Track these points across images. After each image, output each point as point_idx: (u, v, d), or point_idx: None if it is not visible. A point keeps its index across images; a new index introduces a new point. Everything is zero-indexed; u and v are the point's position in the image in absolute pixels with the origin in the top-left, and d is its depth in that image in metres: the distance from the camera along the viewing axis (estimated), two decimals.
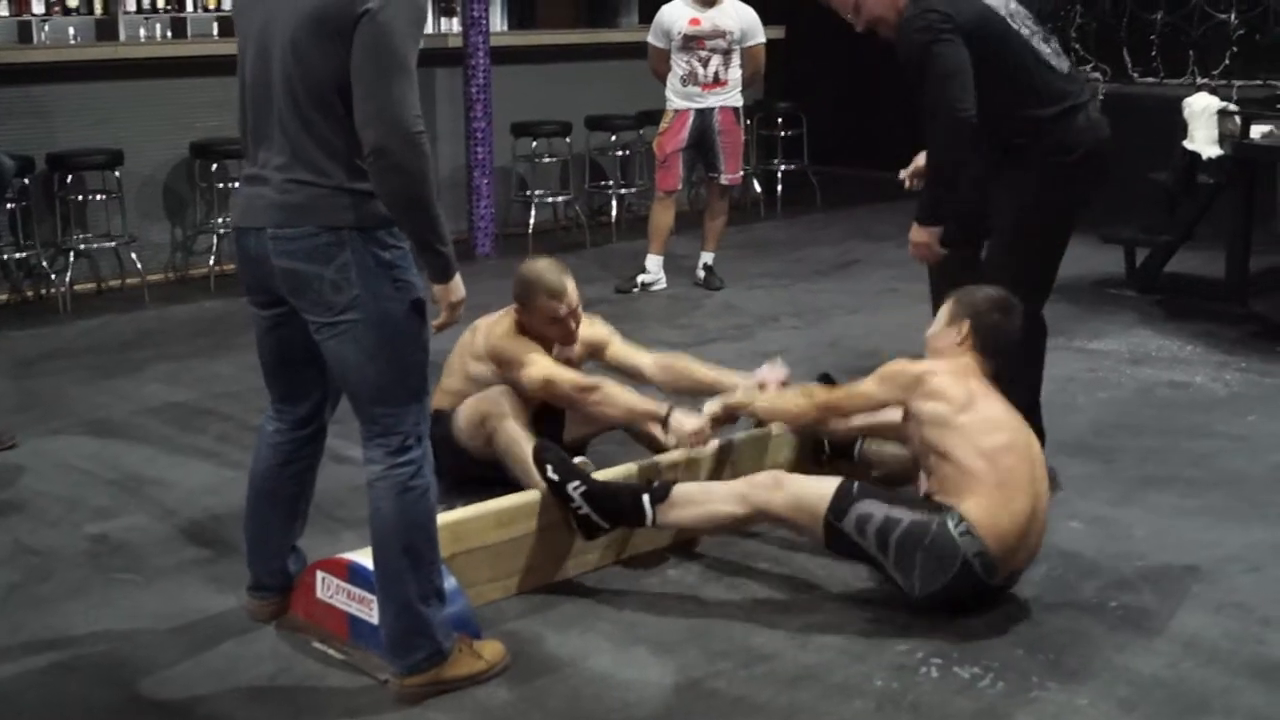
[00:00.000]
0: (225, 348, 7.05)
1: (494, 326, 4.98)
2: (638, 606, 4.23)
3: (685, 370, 5.17)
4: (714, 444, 4.77)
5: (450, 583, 3.75)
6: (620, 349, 5.25)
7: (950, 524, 4.00)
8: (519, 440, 4.74)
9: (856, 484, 4.17)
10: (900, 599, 4.13)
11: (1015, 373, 4.79)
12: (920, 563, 4.02)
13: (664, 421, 4.72)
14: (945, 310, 4.50)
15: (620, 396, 4.82)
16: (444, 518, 4.06)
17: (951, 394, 4.20)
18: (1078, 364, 6.73)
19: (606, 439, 5.27)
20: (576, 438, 5.16)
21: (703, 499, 4.33)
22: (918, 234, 5.18)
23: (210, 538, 4.75)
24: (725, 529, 4.45)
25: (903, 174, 5.69)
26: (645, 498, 4.30)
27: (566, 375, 4.86)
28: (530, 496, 4.36)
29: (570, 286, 4.92)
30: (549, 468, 4.33)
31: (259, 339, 3.79)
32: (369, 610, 3.73)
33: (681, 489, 4.35)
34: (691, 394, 5.16)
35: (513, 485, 4.66)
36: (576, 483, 4.30)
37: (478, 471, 4.93)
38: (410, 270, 3.52)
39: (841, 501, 4.12)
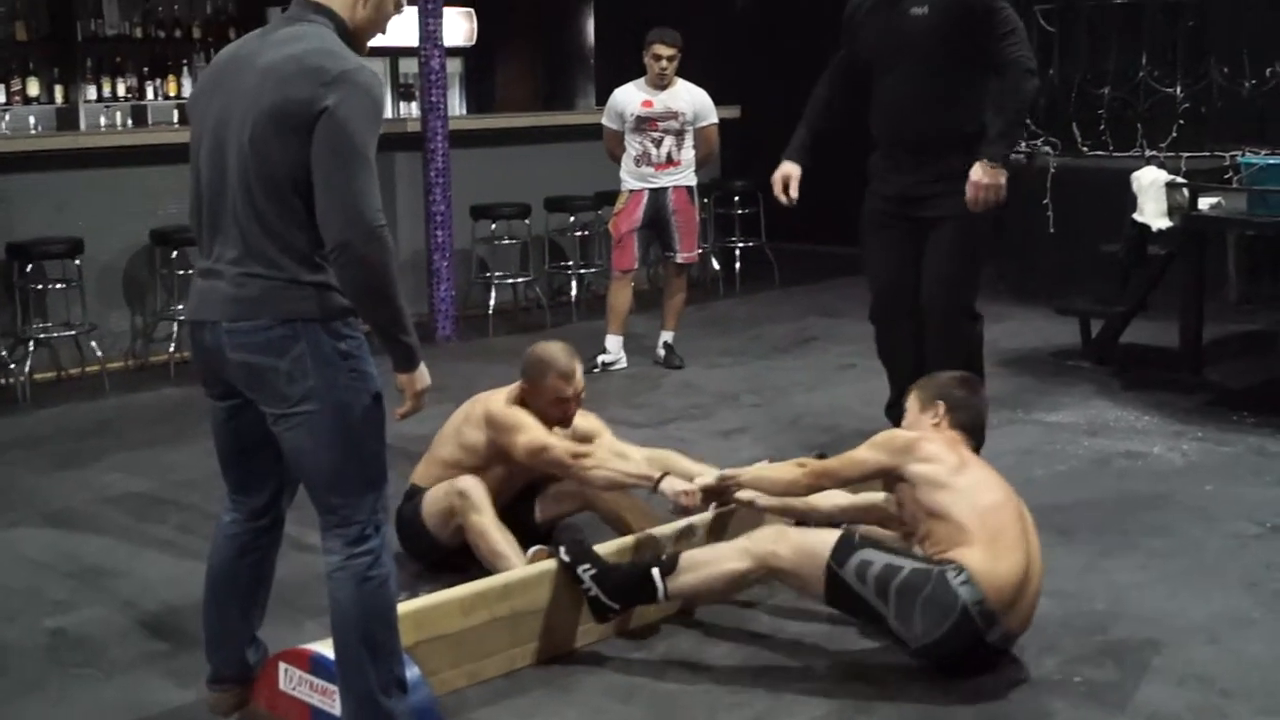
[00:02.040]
0: (186, 436, 7.02)
1: (495, 396, 5.09)
2: (601, 692, 4.22)
3: (672, 465, 5.17)
4: (707, 514, 4.84)
5: (413, 672, 3.73)
6: (611, 442, 5.28)
7: (950, 574, 4.07)
8: (488, 532, 4.81)
9: (858, 534, 4.29)
10: (862, 679, 4.14)
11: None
12: (920, 611, 4.08)
13: (657, 485, 4.77)
14: (914, 399, 4.68)
15: (613, 460, 4.95)
16: (406, 606, 4.05)
17: (944, 457, 4.36)
18: (1035, 436, 6.78)
19: (578, 519, 5.26)
20: (546, 519, 5.18)
21: (710, 560, 4.41)
22: (994, 174, 5.36)
23: (170, 630, 4.72)
24: (734, 587, 4.50)
25: (786, 195, 5.98)
26: (655, 571, 4.40)
27: (560, 442, 4.95)
28: (492, 583, 4.36)
29: (579, 371, 5.05)
30: (562, 549, 4.45)
31: (215, 429, 3.79)
32: (331, 702, 3.72)
33: (689, 554, 4.45)
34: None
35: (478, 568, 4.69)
36: (587, 565, 4.40)
37: (440, 556, 4.99)
38: (366, 360, 3.54)
39: (843, 549, 4.19)
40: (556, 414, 5.05)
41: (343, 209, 3.34)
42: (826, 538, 4.24)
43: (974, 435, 4.60)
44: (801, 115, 6.12)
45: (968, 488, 4.29)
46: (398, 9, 3.71)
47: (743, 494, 4.80)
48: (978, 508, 4.23)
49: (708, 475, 4.86)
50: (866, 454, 4.48)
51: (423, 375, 3.61)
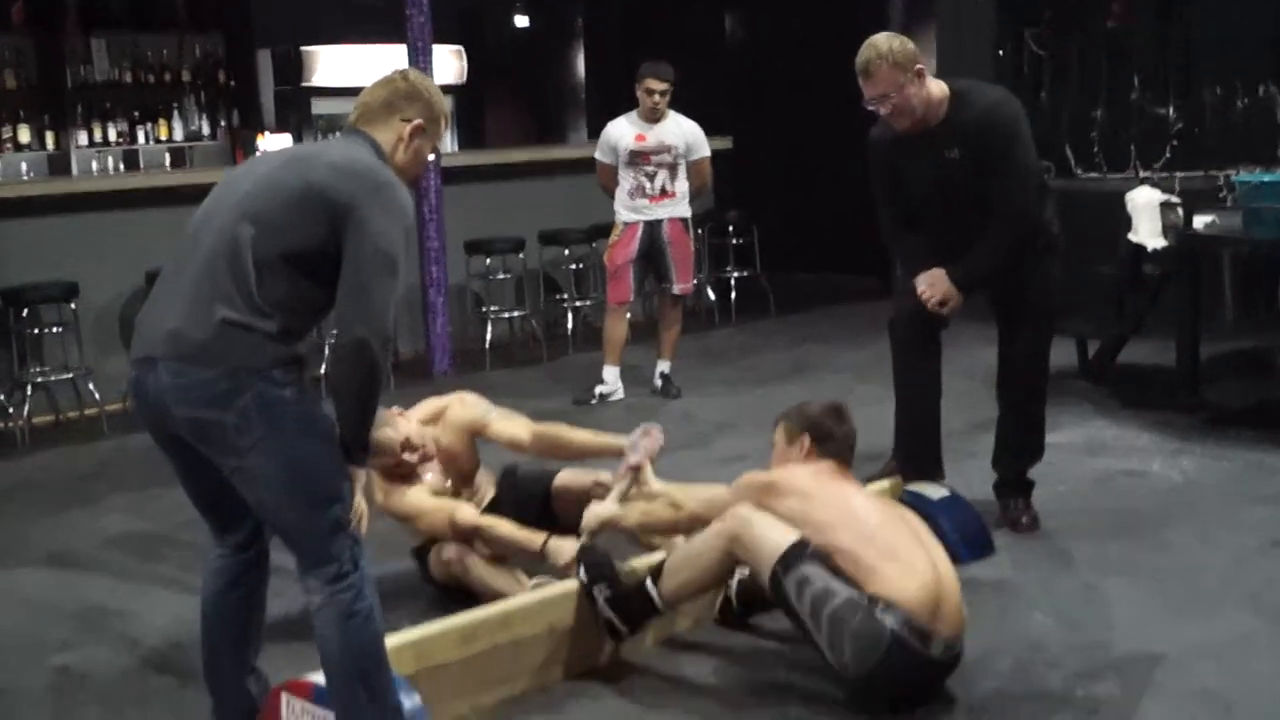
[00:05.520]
0: None
1: (371, 479, 4.97)
2: (604, 718, 4.22)
3: (562, 439, 5.25)
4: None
5: (413, 700, 3.74)
6: (499, 426, 5.25)
7: (874, 609, 4.02)
8: (488, 580, 4.84)
9: (811, 546, 4.15)
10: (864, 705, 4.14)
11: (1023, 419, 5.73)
12: (850, 643, 4.03)
13: (542, 552, 4.76)
14: (781, 431, 4.63)
15: (503, 534, 4.87)
16: (406, 635, 4.08)
17: (805, 486, 4.32)
18: None
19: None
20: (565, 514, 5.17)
21: (690, 555, 4.42)
22: (949, 290, 5.51)
23: (174, 666, 4.71)
24: (720, 574, 4.47)
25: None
26: (648, 581, 4.42)
27: (454, 520, 4.90)
28: (491, 611, 4.36)
29: (387, 437, 4.85)
30: (580, 568, 4.49)
31: (179, 478, 3.80)
32: None
33: (670, 558, 4.48)
34: (571, 460, 5.34)
35: None
36: (602, 585, 4.44)
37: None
38: (312, 404, 3.56)
39: (791, 557, 4.14)
40: (410, 469, 5.01)
41: (367, 313, 3.44)
42: (781, 541, 4.17)
43: (843, 463, 4.54)
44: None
45: (841, 517, 4.22)
46: (433, 152, 3.92)
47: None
48: (862, 534, 4.17)
49: (591, 520, 4.81)
50: (730, 497, 4.44)
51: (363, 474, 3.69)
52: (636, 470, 4.94)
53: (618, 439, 5.11)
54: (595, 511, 4.83)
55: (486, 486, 5.33)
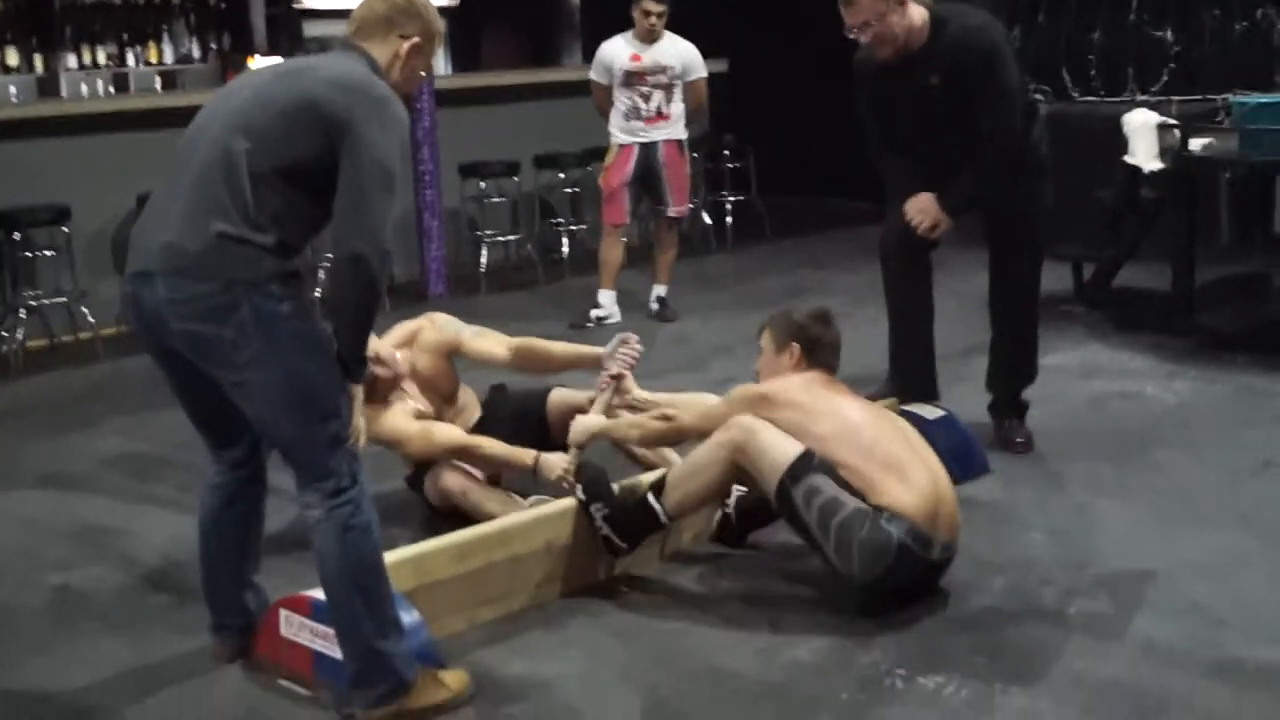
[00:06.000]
0: None
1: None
2: (603, 632, 4.25)
3: (540, 351, 5.28)
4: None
5: (411, 615, 3.76)
6: (474, 345, 5.26)
7: (879, 518, 4.09)
8: (483, 506, 4.85)
9: (818, 457, 4.20)
10: (862, 612, 4.19)
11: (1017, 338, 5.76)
12: (858, 552, 4.10)
13: (534, 471, 4.82)
14: (767, 339, 4.68)
15: (491, 452, 4.91)
16: (405, 552, 4.10)
17: (800, 399, 4.36)
18: None
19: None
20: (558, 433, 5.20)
21: (694, 469, 4.44)
22: (938, 214, 5.48)
23: (172, 584, 4.73)
24: (726, 485, 4.51)
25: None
26: (650, 496, 4.44)
27: (440, 441, 4.94)
28: (490, 529, 4.38)
29: None
30: (579, 488, 4.51)
31: (176, 395, 3.81)
32: (333, 646, 3.72)
33: (672, 471, 4.51)
34: (551, 372, 5.38)
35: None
36: (600, 504, 4.45)
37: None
38: (310, 319, 3.54)
39: (799, 467, 4.18)
40: (387, 389, 4.99)
41: (363, 227, 3.42)
42: (789, 450, 4.21)
43: (827, 370, 4.59)
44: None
45: (839, 430, 4.27)
46: (426, 73, 3.89)
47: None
48: (861, 447, 4.22)
49: (579, 434, 4.82)
50: (724, 410, 4.47)
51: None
52: (618, 379, 4.97)
53: (595, 349, 5.14)
54: (581, 424, 4.85)
55: (471, 406, 5.35)
